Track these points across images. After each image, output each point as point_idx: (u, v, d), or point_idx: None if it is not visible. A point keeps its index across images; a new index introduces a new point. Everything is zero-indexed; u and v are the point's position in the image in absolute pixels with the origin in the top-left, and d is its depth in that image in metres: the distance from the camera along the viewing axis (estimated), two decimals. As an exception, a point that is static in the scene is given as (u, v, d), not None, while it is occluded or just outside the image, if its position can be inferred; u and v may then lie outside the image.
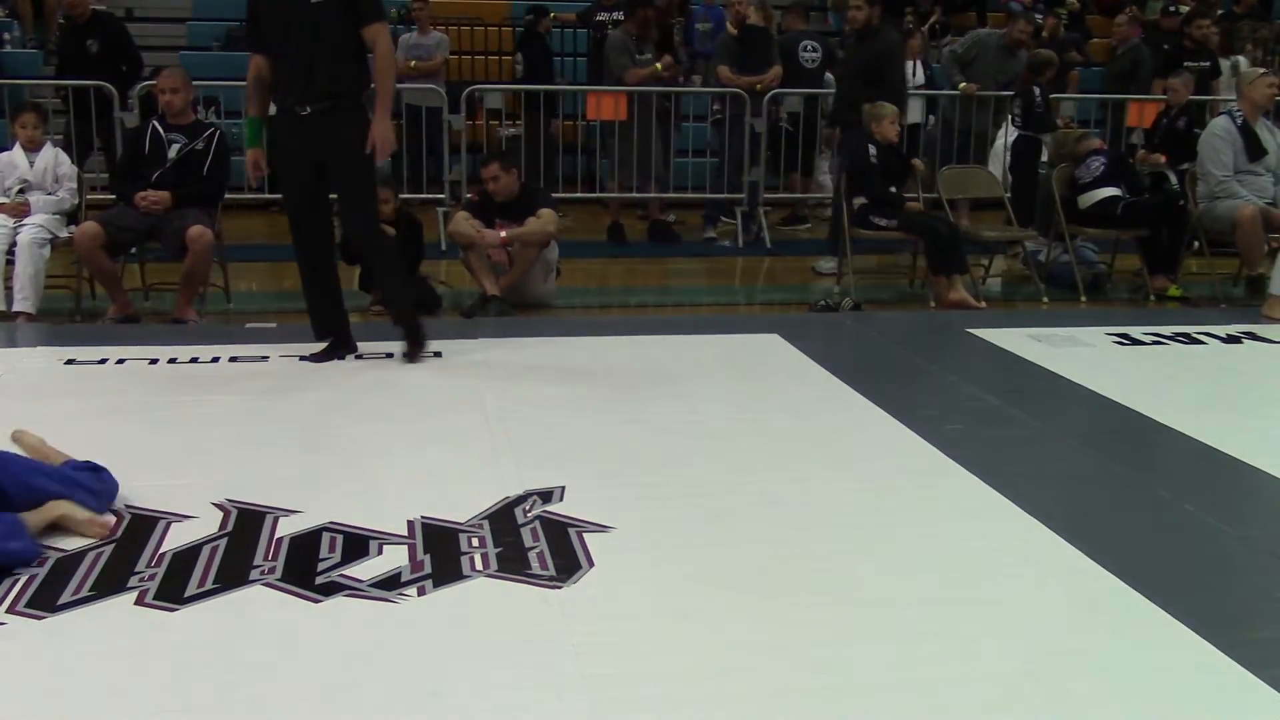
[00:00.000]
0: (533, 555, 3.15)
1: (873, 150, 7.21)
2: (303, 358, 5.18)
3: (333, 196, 5.18)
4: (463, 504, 3.46)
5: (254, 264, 7.87)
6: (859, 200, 7.28)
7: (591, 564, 3.10)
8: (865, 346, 5.92)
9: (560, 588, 2.98)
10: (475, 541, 3.24)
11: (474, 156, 8.65)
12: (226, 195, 6.70)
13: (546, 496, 3.56)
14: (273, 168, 5.28)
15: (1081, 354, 5.63)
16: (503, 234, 6.48)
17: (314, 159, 5.00)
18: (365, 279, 6.55)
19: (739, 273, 8.22)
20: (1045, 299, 7.38)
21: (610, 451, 4.06)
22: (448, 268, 7.51)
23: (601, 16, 10.38)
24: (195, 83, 6.79)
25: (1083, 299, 7.32)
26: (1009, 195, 8.36)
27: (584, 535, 3.28)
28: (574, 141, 9.97)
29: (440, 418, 4.44)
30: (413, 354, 5.18)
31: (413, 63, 10.34)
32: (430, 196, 8.93)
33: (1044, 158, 8.60)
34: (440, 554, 3.15)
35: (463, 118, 9.07)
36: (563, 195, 8.39)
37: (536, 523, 3.37)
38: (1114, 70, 11.01)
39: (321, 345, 5.25)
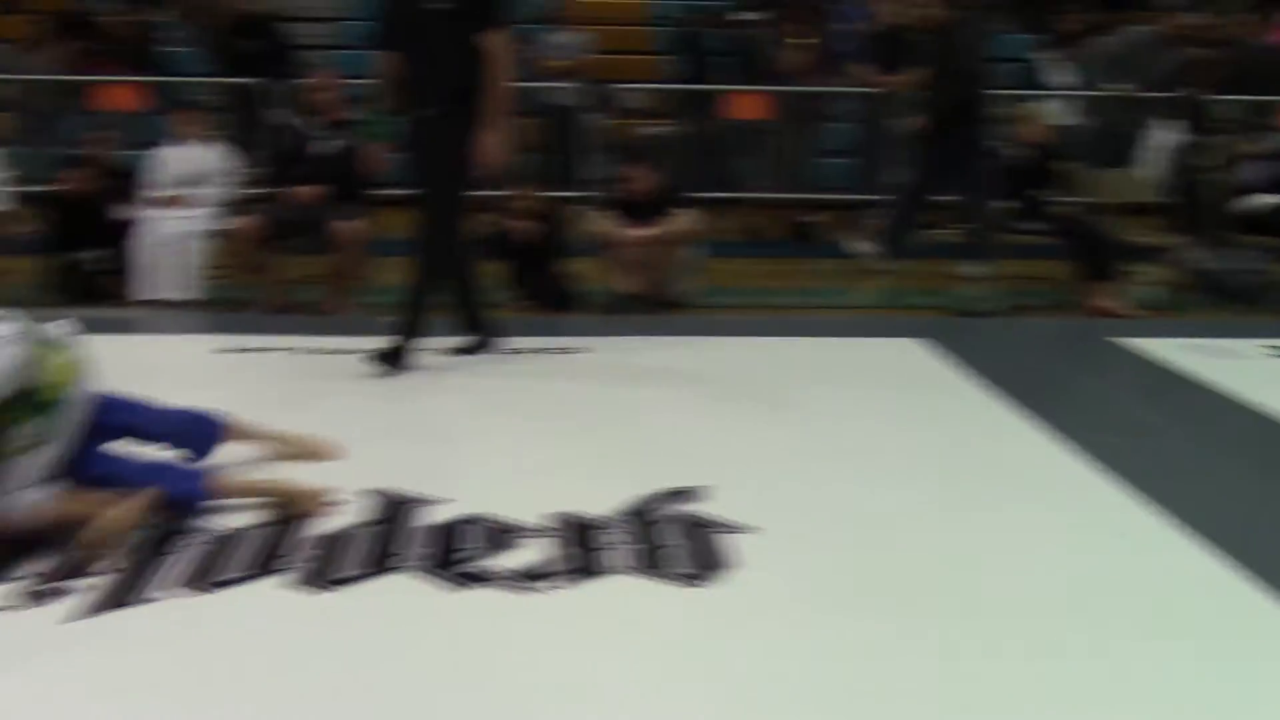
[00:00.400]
0: (673, 553, 3.14)
1: (1018, 153, 7.03)
2: (451, 351, 5.24)
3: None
4: (604, 499, 3.46)
5: (400, 259, 8.00)
6: (1006, 204, 7.10)
7: (732, 565, 3.08)
8: (1012, 354, 5.77)
9: (700, 587, 2.96)
10: (616, 537, 3.24)
11: (613, 155, 8.68)
12: (375, 191, 6.84)
13: (687, 495, 3.55)
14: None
15: (1239, 366, 5.40)
16: (642, 233, 6.49)
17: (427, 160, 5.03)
18: (518, 275, 6.63)
19: (882, 276, 8.08)
20: (1202, 308, 7.10)
21: (751, 453, 4.03)
22: (587, 265, 7.55)
23: (744, 15, 10.30)
24: (345, 81, 6.96)
25: (1241, 308, 7.02)
26: (1165, 199, 8.07)
27: (725, 536, 3.25)
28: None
29: (581, 414, 4.46)
30: (381, 362, 4.93)
31: (552, 61, 10.43)
32: (570, 195, 8.99)
33: (1203, 161, 8.28)
34: (581, 548, 3.16)
35: (602, 116, 9.10)
36: (703, 195, 8.36)
37: (677, 521, 3.36)
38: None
39: (467, 339, 5.30)
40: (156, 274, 6.36)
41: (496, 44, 4.88)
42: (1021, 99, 8.52)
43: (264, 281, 6.47)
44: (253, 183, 7.51)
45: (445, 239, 5.08)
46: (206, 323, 6.13)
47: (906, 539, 3.33)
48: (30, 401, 2.95)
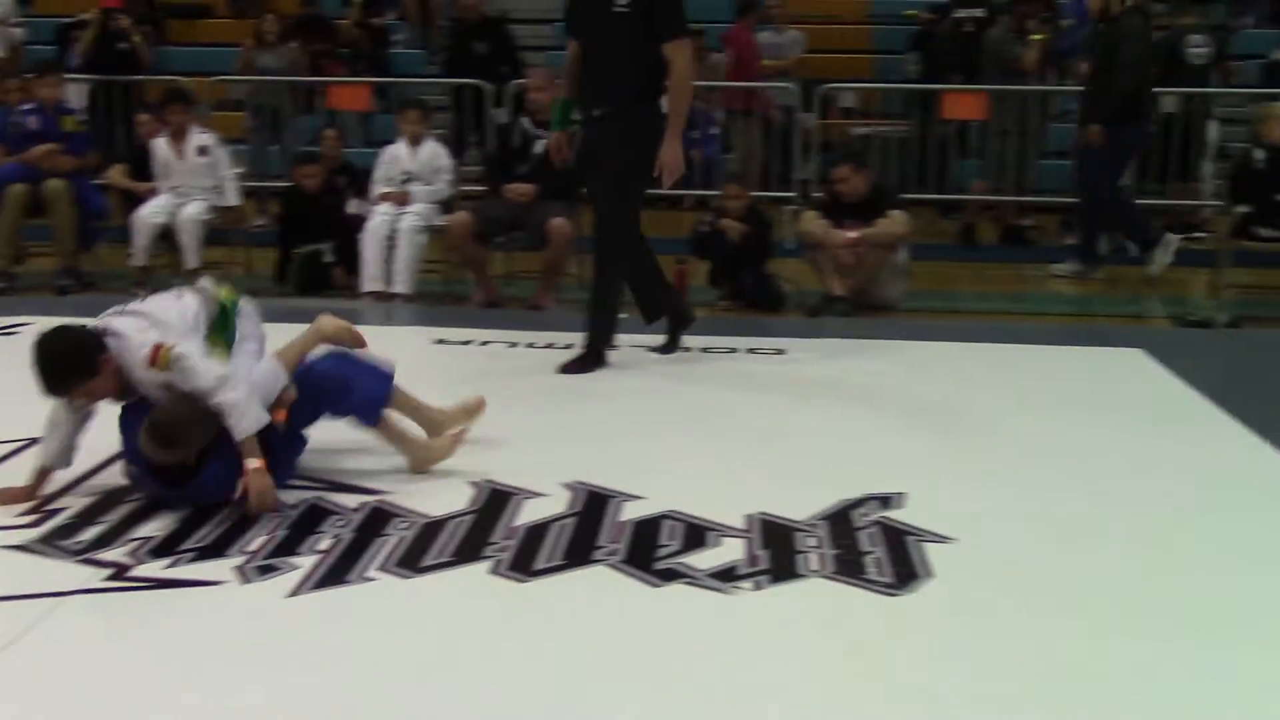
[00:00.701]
0: (870, 560, 3.10)
1: (1259, 154, 6.66)
2: (653, 348, 5.30)
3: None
4: (801, 503, 3.45)
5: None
6: (1241, 208, 6.74)
7: (931, 575, 3.02)
8: (1240, 367, 5.47)
9: (897, 596, 2.92)
10: (812, 541, 3.22)
11: (825, 156, 8.61)
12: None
13: (886, 502, 3.50)
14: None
15: None
16: (851, 234, 6.42)
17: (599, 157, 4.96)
18: (714, 274, 6.67)
19: (1100, 282, 7.78)
20: None
21: (955, 461, 3.95)
22: (794, 266, 7.52)
23: (961, 13, 10.06)
24: (557, 80, 7.10)
25: None
26: None
27: (924, 545, 3.20)
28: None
29: (781, 415, 4.45)
30: (576, 366, 5.00)
31: (766, 61, 10.42)
32: (780, 195, 8.96)
33: None
34: (777, 551, 3.16)
35: (815, 116, 9.05)
36: (915, 196, 8.23)
37: (875, 528, 3.32)
38: None
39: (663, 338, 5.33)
40: (380, 267, 6.64)
41: (676, 52, 4.79)
42: (1265, 98, 8.05)
43: (478, 276, 6.67)
44: (469, 180, 7.76)
45: (620, 239, 5.01)
46: (425, 315, 6.36)
47: (1118, 551, 3.21)
48: (223, 318, 3.53)
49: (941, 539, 3.23)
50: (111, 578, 2.96)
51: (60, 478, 3.52)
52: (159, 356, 3.26)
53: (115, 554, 3.08)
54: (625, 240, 5.03)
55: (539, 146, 6.52)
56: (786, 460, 3.93)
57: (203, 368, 3.30)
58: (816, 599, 2.92)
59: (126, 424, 3.42)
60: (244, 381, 3.37)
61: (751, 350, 5.43)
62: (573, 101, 5.07)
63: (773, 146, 9.67)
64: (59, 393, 3.35)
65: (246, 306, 3.68)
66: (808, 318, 6.39)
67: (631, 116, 4.83)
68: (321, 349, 3.81)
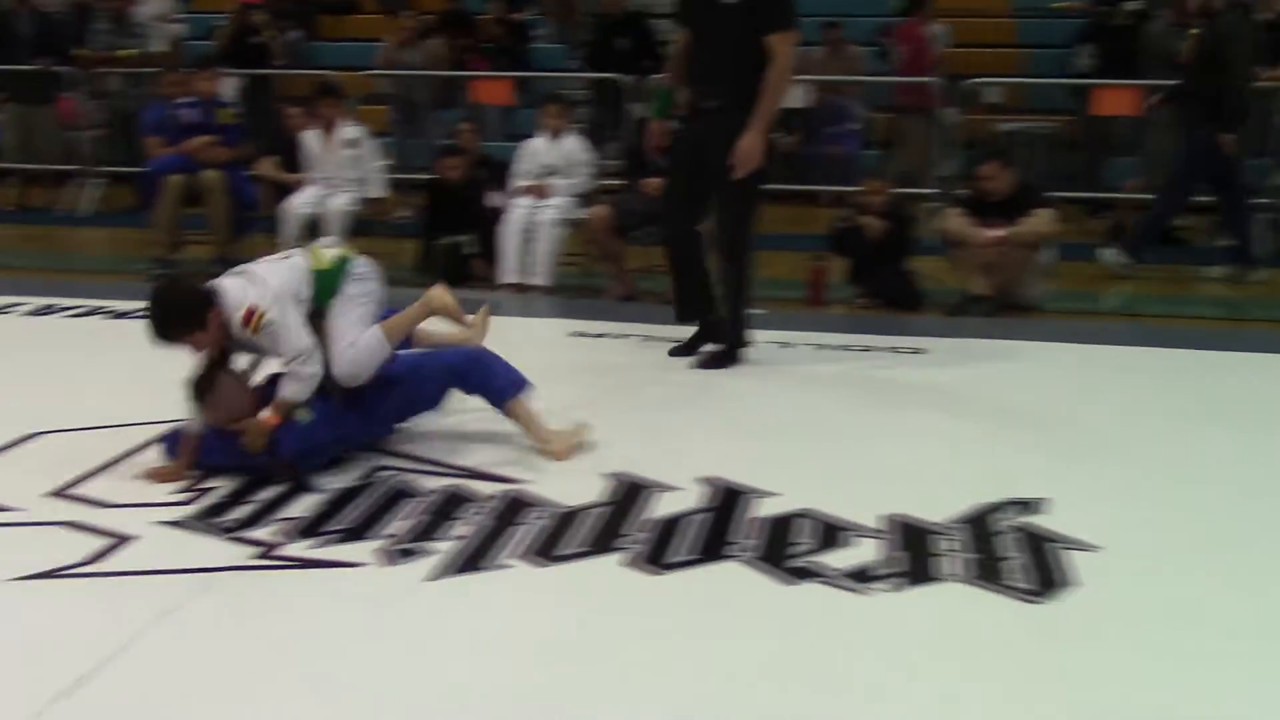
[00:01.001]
0: (1011, 566, 3.04)
1: None
2: (671, 351, 5.15)
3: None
4: (939, 505, 3.40)
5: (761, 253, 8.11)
6: None
7: (1074, 583, 2.95)
8: None
9: (1039, 603, 2.85)
10: (951, 545, 3.17)
11: (971, 153, 8.44)
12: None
13: (1026, 506, 3.42)
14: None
15: None
16: (996, 233, 6.28)
17: (700, 153, 4.88)
18: (854, 272, 6.59)
19: (1259, 285, 7.47)
20: None
21: (1098, 467, 3.83)
22: (935, 264, 7.39)
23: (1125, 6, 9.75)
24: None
25: None
26: None
27: (1066, 552, 3.12)
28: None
29: (918, 415, 4.39)
30: (712, 362, 4.98)
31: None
32: (921, 191, 8.82)
33: None
34: (914, 553, 3.12)
35: (959, 111, 8.88)
36: (1063, 195, 8.02)
37: (1015, 533, 3.24)
38: None
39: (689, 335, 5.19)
40: (519, 259, 6.73)
41: (779, 45, 4.71)
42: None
43: (615, 270, 6.71)
44: (607, 174, 7.81)
45: (742, 234, 4.96)
46: (562, 308, 6.43)
47: (1265, 562, 3.09)
48: (328, 279, 3.66)
49: (1085, 547, 3.14)
50: (259, 556, 3.06)
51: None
52: (252, 319, 3.45)
53: (263, 533, 3.19)
54: (746, 235, 4.99)
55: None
56: (923, 461, 3.87)
57: (287, 336, 3.48)
58: (955, 604, 2.87)
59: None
60: (316, 360, 3.55)
61: (890, 349, 5.36)
62: (674, 91, 5.06)
63: (916, 143, 9.52)
64: (167, 341, 3.54)
65: (363, 268, 3.76)
66: (948, 317, 6.27)
67: (746, 111, 4.74)
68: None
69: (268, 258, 3.80)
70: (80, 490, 3.46)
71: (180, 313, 3.53)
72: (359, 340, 3.64)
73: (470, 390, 3.88)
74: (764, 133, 4.74)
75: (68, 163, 10.10)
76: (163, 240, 7.24)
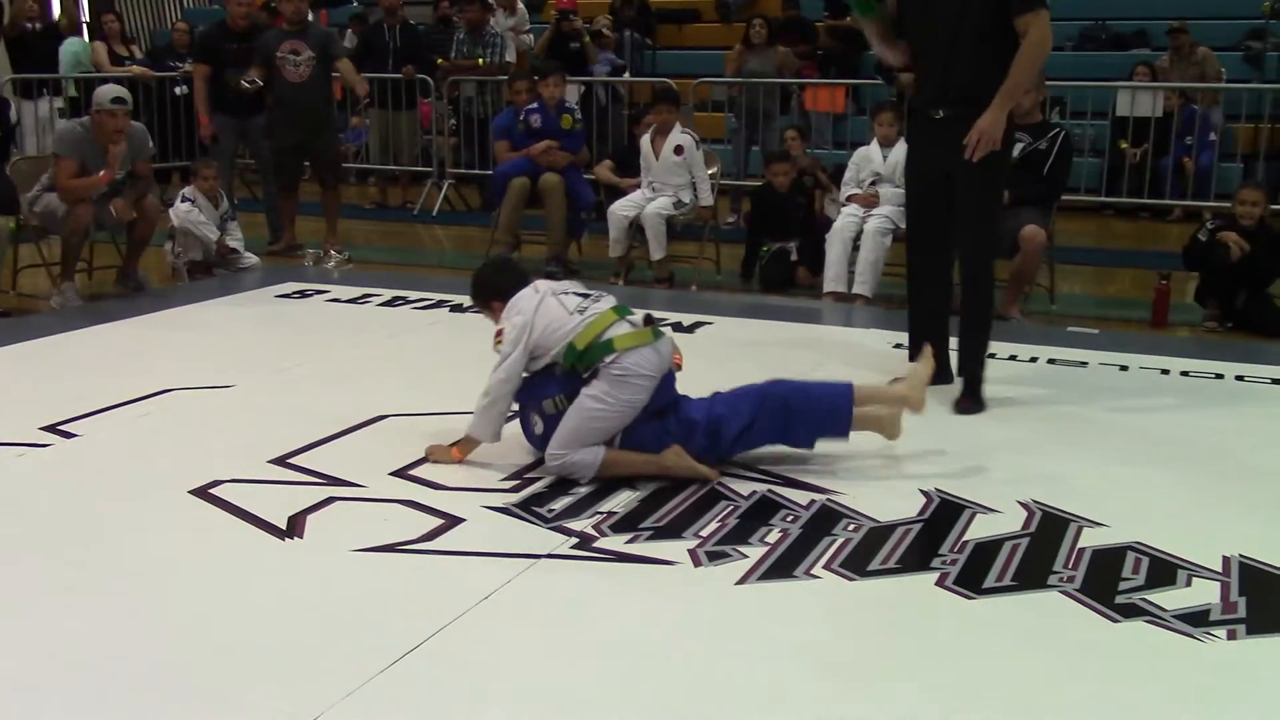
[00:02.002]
0: (1373, 623, 2.75)
1: None
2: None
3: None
4: (1290, 550, 3.12)
5: (1081, 267, 7.75)
6: None
7: None
8: None
9: (1405, 668, 2.57)
10: (1302, 594, 2.91)
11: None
12: (1063, 196, 6.67)
13: (1396, 559, 3.09)
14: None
15: None
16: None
17: (945, 169, 4.37)
18: (1202, 290, 6.16)
19: None
20: None
21: None
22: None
23: None
24: (1046, 83, 6.82)
25: None
26: None
27: None
28: None
29: (1272, 450, 4.04)
30: (965, 407, 4.43)
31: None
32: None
33: None
34: (1259, 598, 2.88)
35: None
36: None
37: (1381, 587, 2.94)
38: None
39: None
40: (844, 268, 6.67)
41: (1034, 23, 4.15)
42: None
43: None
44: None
45: (991, 258, 4.59)
46: (885, 319, 6.32)
47: None
48: (572, 355, 3.62)
49: None
50: (577, 546, 3.17)
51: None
52: (496, 337, 3.75)
53: (582, 524, 3.30)
54: (993, 259, 4.61)
55: (1017, 151, 6.30)
56: (1274, 500, 3.56)
57: (497, 371, 3.67)
58: (1302, 658, 2.62)
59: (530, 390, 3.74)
60: (502, 398, 3.67)
61: (1239, 377, 4.97)
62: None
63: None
64: (475, 303, 4.03)
65: (641, 364, 3.57)
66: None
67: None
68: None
69: (576, 290, 3.81)
70: (418, 472, 3.69)
71: (480, 287, 3.97)
72: (571, 459, 3.58)
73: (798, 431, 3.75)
74: (1007, 108, 4.22)
75: (424, 165, 10.84)
76: (503, 239, 7.62)
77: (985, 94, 4.21)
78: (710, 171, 7.54)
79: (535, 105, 7.64)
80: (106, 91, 6.39)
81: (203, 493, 3.49)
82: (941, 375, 4.40)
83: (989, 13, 4.18)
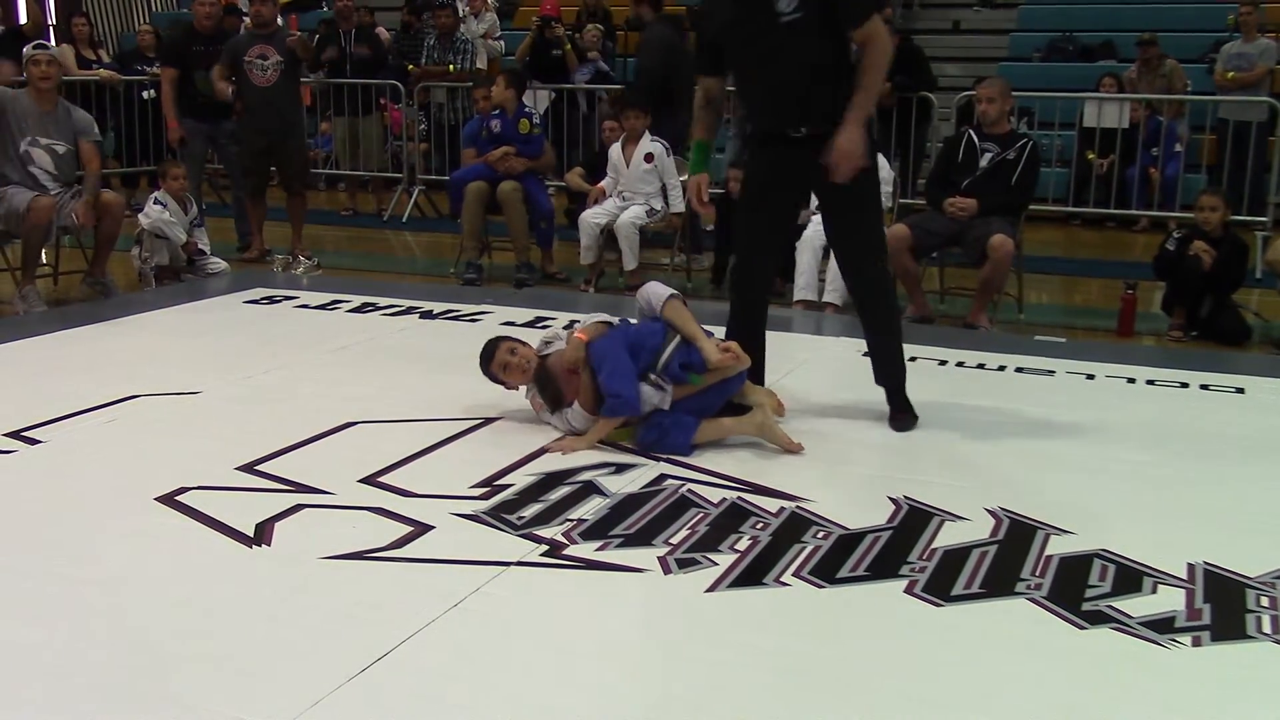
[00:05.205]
0: (1336, 630, 2.78)
1: None
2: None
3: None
4: (1255, 556, 3.15)
5: (1049, 276, 7.82)
6: None
7: None
8: None
9: (1368, 675, 2.60)
10: (1265, 601, 2.93)
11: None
12: (1030, 206, 6.72)
13: (1358, 567, 3.12)
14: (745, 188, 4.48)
15: None
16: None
17: (800, 184, 4.36)
18: (1169, 299, 6.22)
19: None
20: None
21: None
22: (1260, 297, 6.89)
23: None
24: (1014, 93, 6.87)
25: None
26: None
27: (1404, 620, 2.82)
28: None
29: (1231, 458, 4.09)
30: (900, 422, 4.36)
31: (1230, 74, 9.63)
32: (1251, 219, 8.22)
33: None
34: (1223, 606, 2.90)
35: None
36: None
37: (1344, 594, 2.97)
38: None
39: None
40: (813, 277, 6.69)
41: (872, 33, 4.08)
42: None
43: (911, 291, 6.57)
44: (905, 192, 7.67)
45: (885, 270, 4.50)
46: (854, 327, 6.32)
47: None
48: None
49: None
50: (547, 553, 3.16)
51: (508, 456, 3.82)
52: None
53: (552, 531, 3.29)
54: (887, 266, 4.55)
55: (985, 160, 6.34)
56: (1238, 508, 3.60)
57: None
58: (1267, 665, 2.65)
59: None
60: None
61: (1205, 386, 5.01)
62: (707, 144, 4.49)
63: (1243, 166, 8.91)
64: None
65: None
66: (1275, 354, 5.82)
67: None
68: None
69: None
70: (387, 479, 3.68)
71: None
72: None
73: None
74: (862, 125, 4.09)
75: (394, 170, 10.80)
76: (470, 245, 7.61)
77: (840, 110, 4.08)
78: (683, 179, 7.55)
79: (498, 111, 7.64)
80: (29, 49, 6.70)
81: (169, 500, 3.46)
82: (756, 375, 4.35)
83: (816, 43, 4.07)
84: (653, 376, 3.97)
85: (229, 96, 7.90)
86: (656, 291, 4.16)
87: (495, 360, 4.20)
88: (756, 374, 4.33)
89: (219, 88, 7.85)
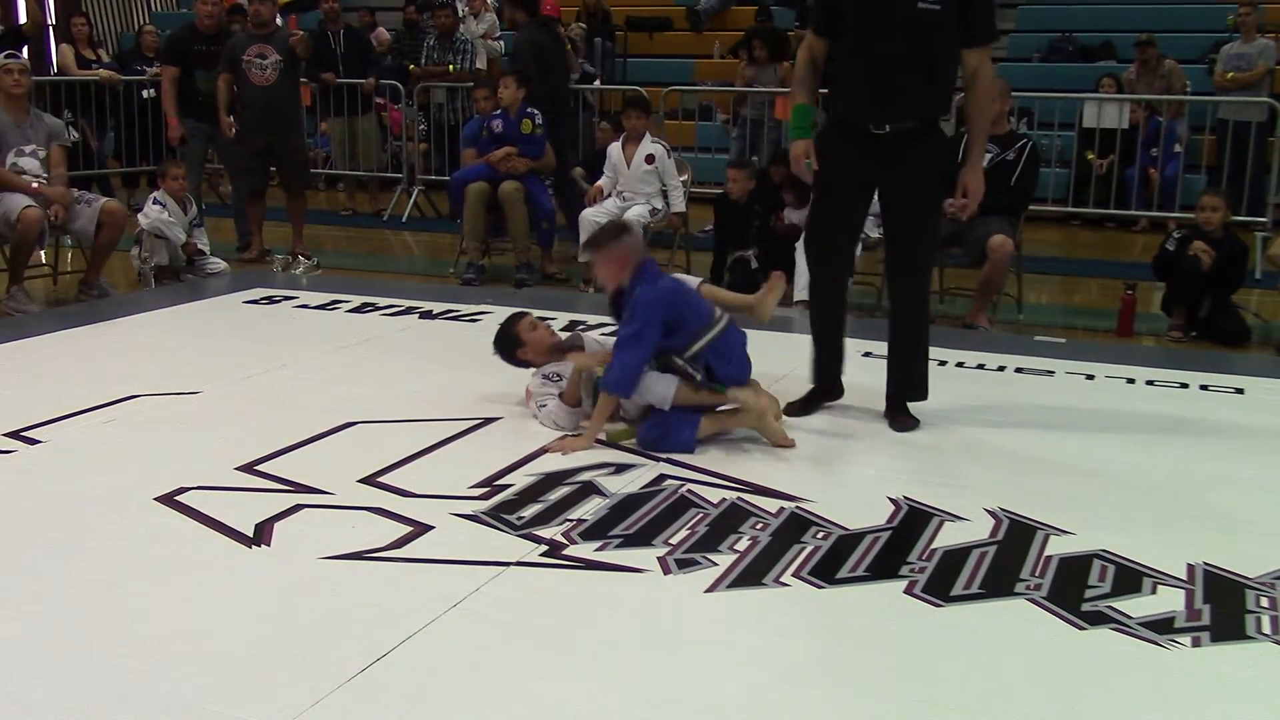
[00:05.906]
0: (1335, 631, 2.78)
1: None
2: (786, 410, 4.39)
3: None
4: (1255, 557, 3.15)
5: (1049, 276, 7.82)
6: None
7: None
8: None
9: (1367, 675, 2.60)
10: (1265, 601, 2.93)
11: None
12: (1030, 206, 6.71)
13: (1358, 567, 3.12)
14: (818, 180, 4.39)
15: None
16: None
17: (873, 183, 4.31)
18: (1169, 300, 6.21)
19: None
20: None
21: None
22: (1260, 298, 6.89)
23: None
24: (1013, 94, 6.87)
25: None
26: None
27: (1403, 620, 2.83)
28: None
29: (1231, 458, 4.09)
30: (899, 424, 4.35)
31: (1230, 74, 9.63)
32: (1250, 219, 8.22)
33: None
34: (1222, 607, 2.90)
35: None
36: None
37: (1345, 595, 2.97)
38: None
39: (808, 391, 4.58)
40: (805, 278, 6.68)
41: (985, 59, 4.18)
42: None
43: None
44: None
45: (927, 281, 4.57)
46: (852, 328, 6.31)
47: None
48: None
49: None
50: (547, 554, 3.16)
51: (508, 456, 3.82)
52: None
53: (552, 532, 3.29)
54: (928, 283, 4.58)
55: (984, 161, 6.32)
56: (1237, 509, 3.60)
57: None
58: (1265, 664, 2.65)
59: None
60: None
61: (1204, 387, 5.01)
62: (811, 109, 4.43)
63: (1242, 167, 8.91)
64: None
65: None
66: (1276, 355, 5.82)
67: (936, 137, 4.27)
68: None
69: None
70: (386, 479, 3.68)
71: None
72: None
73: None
74: (981, 164, 4.31)
75: (394, 171, 10.80)
76: (471, 246, 7.61)
77: (934, 113, 4.22)
78: (682, 179, 7.56)
79: (499, 111, 7.63)
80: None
81: (169, 500, 3.46)
82: (831, 395, 4.52)
83: (948, 37, 4.09)
84: (678, 361, 3.98)
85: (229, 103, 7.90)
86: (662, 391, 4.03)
87: (524, 321, 4.45)
88: (834, 380, 4.54)
89: (223, 98, 7.88)
